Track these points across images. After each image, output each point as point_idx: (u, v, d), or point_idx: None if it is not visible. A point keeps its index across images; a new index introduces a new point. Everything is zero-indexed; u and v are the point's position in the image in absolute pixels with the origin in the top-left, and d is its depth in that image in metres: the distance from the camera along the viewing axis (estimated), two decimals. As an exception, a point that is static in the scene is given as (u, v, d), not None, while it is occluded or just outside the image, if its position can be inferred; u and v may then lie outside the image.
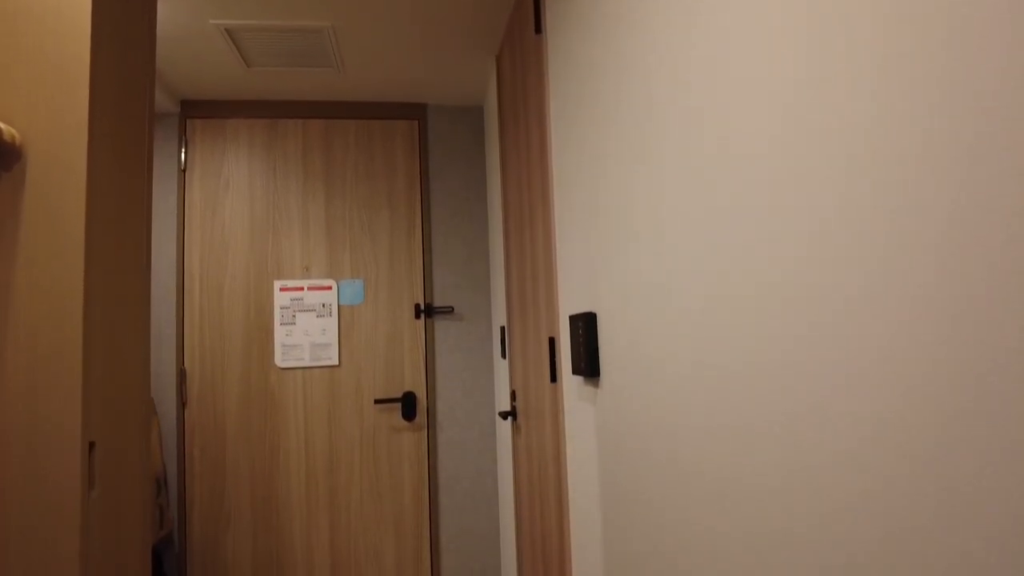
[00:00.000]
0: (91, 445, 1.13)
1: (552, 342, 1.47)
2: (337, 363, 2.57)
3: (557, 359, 1.45)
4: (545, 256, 1.52)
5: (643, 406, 0.94)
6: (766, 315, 0.62)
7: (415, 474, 2.61)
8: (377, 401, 2.56)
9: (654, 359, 0.90)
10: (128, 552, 1.28)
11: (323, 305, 2.57)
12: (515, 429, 2.09)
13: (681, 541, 0.83)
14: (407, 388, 2.62)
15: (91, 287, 1.12)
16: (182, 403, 2.48)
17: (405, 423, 2.61)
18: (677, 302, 0.82)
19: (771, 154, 0.60)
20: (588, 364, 1.15)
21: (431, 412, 2.63)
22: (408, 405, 2.59)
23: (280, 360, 2.53)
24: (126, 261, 1.31)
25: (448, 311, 2.67)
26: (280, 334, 2.54)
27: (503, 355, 2.36)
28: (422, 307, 2.65)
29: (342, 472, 2.56)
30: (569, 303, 1.33)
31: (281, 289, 2.55)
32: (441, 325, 2.67)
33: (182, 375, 2.49)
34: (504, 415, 2.06)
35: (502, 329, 2.36)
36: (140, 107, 1.39)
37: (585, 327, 1.15)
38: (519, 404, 2.00)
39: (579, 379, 1.28)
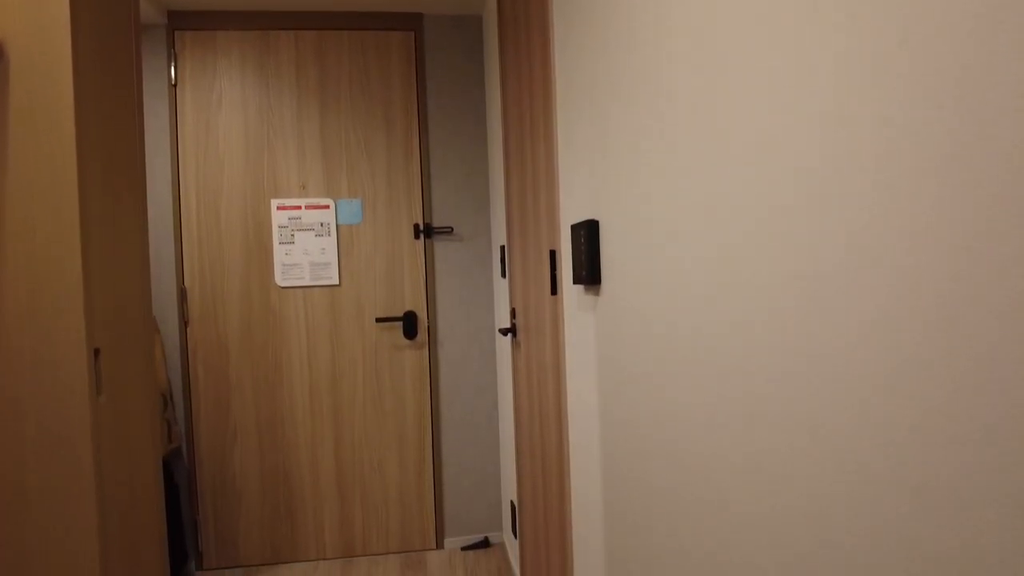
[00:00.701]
0: (96, 352, 1.15)
1: (553, 255, 1.47)
2: (337, 283, 2.57)
3: (558, 271, 1.45)
4: (547, 167, 1.50)
5: (642, 307, 0.95)
6: (774, 223, 0.61)
7: (417, 390, 2.66)
8: (378, 320, 2.58)
9: (655, 262, 0.89)
10: (139, 460, 1.31)
11: (321, 224, 2.55)
12: (515, 345, 2.12)
13: (682, 432, 0.85)
14: (408, 308, 2.63)
15: (86, 187, 1.10)
16: (184, 322, 2.50)
17: (407, 341, 2.64)
18: (681, 205, 0.81)
19: (785, 66, 0.58)
20: (589, 272, 1.15)
21: (432, 331, 2.66)
22: (409, 324, 2.61)
23: (280, 279, 2.53)
24: (119, 168, 1.29)
25: (447, 231, 2.66)
26: (279, 253, 2.53)
27: (503, 274, 2.36)
28: (421, 227, 2.63)
29: (345, 388, 2.61)
30: (571, 214, 1.32)
31: (278, 208, 2.52)
32: (440, 245, 2.66)
33: (183, 294, 2.50)
34: (504, 332, 2.08)
35: (502, 248, 2.35)
36: (125, 13, 1.33)
37: (587, 235, 1.14)
38: (519, 320, 2.01)
39: (579, 288, 1.28)
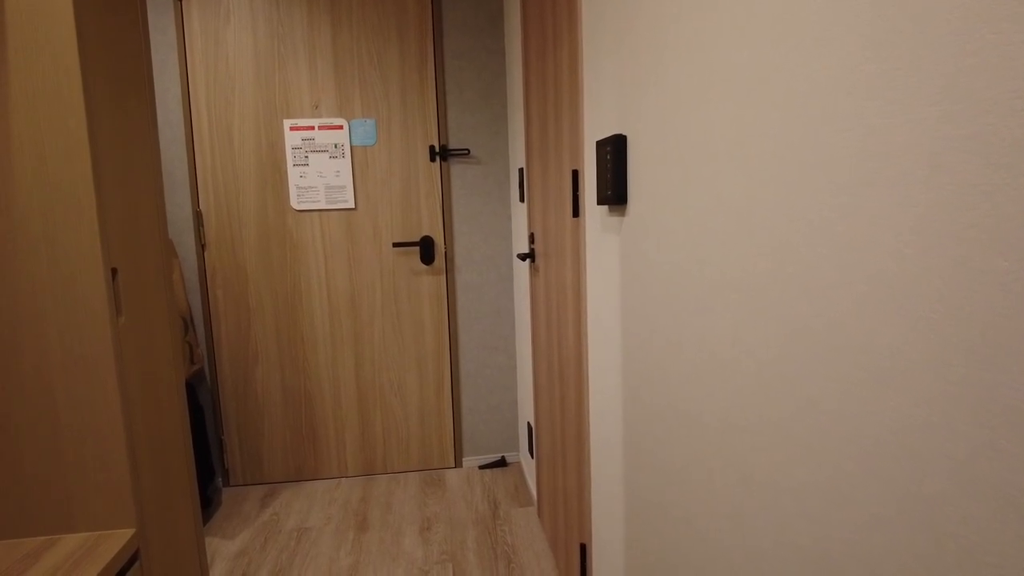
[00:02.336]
0: (113, 272, 1.14)
1: (575, 175, 1.42)
2: (353, 206, 2.54)
3: (580, 192, 1.40)
4: (571, 78, 1.43)
5: (671, 227, 0.91)
6: (823, 134, 0.56)
7: (435, 314, 2.67)
8: (395, 245, 2.56)
9: (688, 180, 0.85)
10: (162, 380, 1.33)
11: (335, 146, 2.49)
12: (533, 270, 2.10)
13: (707, 353, 0.83)
14: (425, 232, 2.60)
15: (92, 102, 1.06)
16: (201, 245, 2.50)
17: (424, 266, 2.63)
18: (714, 118, 0.76)
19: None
20: (615, 191, 1.10)
21: (449, 256, 2.64)
22: (426, 249, 2.59)
23: (296, 202, 2.50)
24: (126, 82, 1.24)
25: (464, 153, 2.59)
26: (294, 175, 2.49)
27: (521, 199, 2.31)
28: (437, 149, 2.57)
29: (364, 311, 2.62)
30: (596, 129, 1.27)
31: (291, 128, 2.46)
32: (457, 168, 2.60)
33: (198, 217, 2.48)
34: (523, 257, 2.05)
35: (520, 171, 2.29)
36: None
37: (614, 151, 1.09)
38: (538, 245, 1.98)
39: (603, 209, 1.24)
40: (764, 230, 0.67)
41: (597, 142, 1.19)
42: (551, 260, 1.78)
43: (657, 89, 0.93)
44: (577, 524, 1.62)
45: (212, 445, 2.61)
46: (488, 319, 2.71)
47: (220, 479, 2.64)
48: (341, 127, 2.49)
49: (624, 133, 1.09)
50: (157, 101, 2.42)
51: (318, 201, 2.51)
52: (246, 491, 2.60)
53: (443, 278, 2.65)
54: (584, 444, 1.49)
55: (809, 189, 0.59)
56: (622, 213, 1.13)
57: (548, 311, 1.86)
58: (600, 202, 1.19)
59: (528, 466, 2.53)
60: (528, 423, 2.46)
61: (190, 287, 2.52)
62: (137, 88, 1.28)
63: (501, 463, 2.76)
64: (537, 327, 2.07)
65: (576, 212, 1.44)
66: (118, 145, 1.17)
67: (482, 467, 2.75)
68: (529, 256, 2.07)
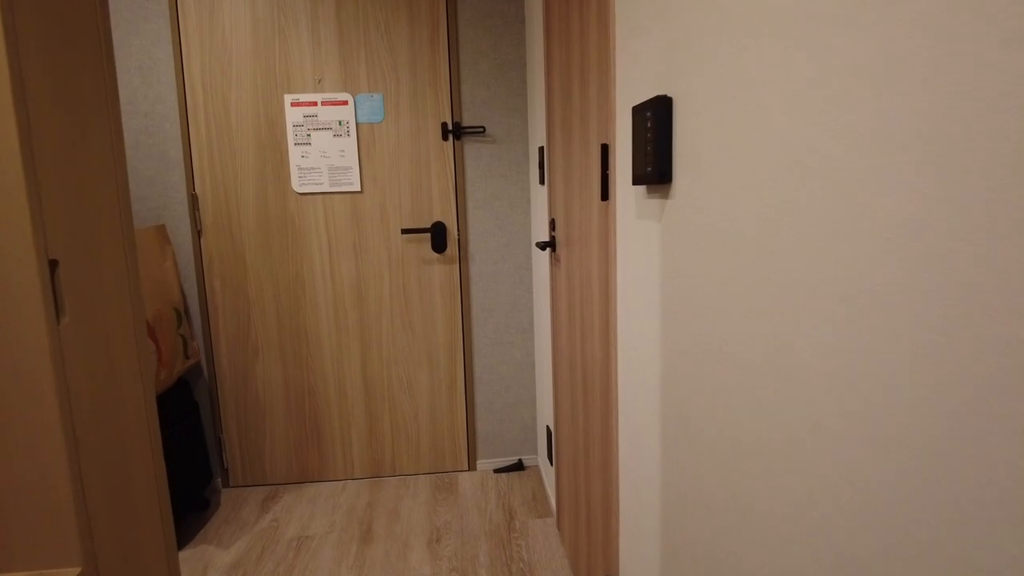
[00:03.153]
0: (53, 264, 0.95)
1: (605, 150, 1.21)
2: (359, 189, 2.35)
3: (610, 171, 1.19)
4: (600, 31, 1.21)
5: (740, 214, 0.70)
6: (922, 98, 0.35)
7: (447, 306, 2.48)
8: (404, 231, 2.36)
9: (758, 150, 0.64)
10: (122, 392, 1.14)
11: (340, 123, 2.29)
12: (554, 260, 1.89)
13: (783, 365, 0.62)
14: (436, 218, 2.40)
15: (24, 90, 0.87)
16: (197, 232, 2.32)
17: (435, 255, 2.43)
18: (801, 63, 0.54)
19: None
20: (657, 167, 0.89)
21: (463, 244, 2.44)
22: (438, 236, 2.39)
23: (298, 185, 2.31)
24: (76, 47, 1.05)
25: (479, 132, 2.38)
26: (295, 155, 2.30)
27: (541, 181, 2.10)
28: (449, 127, 2.36)
29: (371, 304, 2.43)
30: (630, 92, 1.05)
31: (292, 104, 2.27)
32: (471, 148, 2.39)
33: (194, 200, 2.31)
34: (542, 245, 1.84)
35: (540, 150, 2.08)
36: None
37: (655, 117, 0.88)
38: (559, 233, 1.77)
39: (639, 190, 1.03)
40: (894, 219, 0.46)
41: (633, 108, 0.98)
42: (574, 250, 1.57)
43: (721, 31, 0.72)
44: (602, 555, 1.42)
45: (210, 444, 2.45)
46: (504, 312, 2.51)
47: (219, 480, 2.48)
48: (346, 103, 2.29)
49: (669, 94, 0.88)
50: (147, 74, 2.24)
51: (321, 184, 2.32)
52: (246, 493, 2.45)
53: (456, 267, 2.45)
54: (611, 466, 1.29)
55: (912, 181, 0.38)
56: (665, 195, 0.92)
57: (571, 307, 1.66)
58: (636, 181, 0.98)
59: (547, 472, 2.33)
60: (547, 427, 2.26)
61: (185, 276, 2.36)
62: (91, 54, 1.09)
63: (518, 467, 2.57)
64: (558, 324, 1.86)
65: (605, 195, 1.22)
66: (64, 120, 0.98)
67: (497, 471, 2.56)
68: (549, 245, 1.86)
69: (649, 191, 0.98)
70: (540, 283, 2.28)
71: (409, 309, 2.45)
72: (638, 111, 0.95)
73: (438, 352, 2.50)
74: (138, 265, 1.27)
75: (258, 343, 2.41)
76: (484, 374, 2.54)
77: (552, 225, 1.88)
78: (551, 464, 2.19)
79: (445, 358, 2.51)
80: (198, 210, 2.31)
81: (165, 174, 2.29)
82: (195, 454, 2.25)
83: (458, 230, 2.42)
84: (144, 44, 2.22)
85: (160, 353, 2.01)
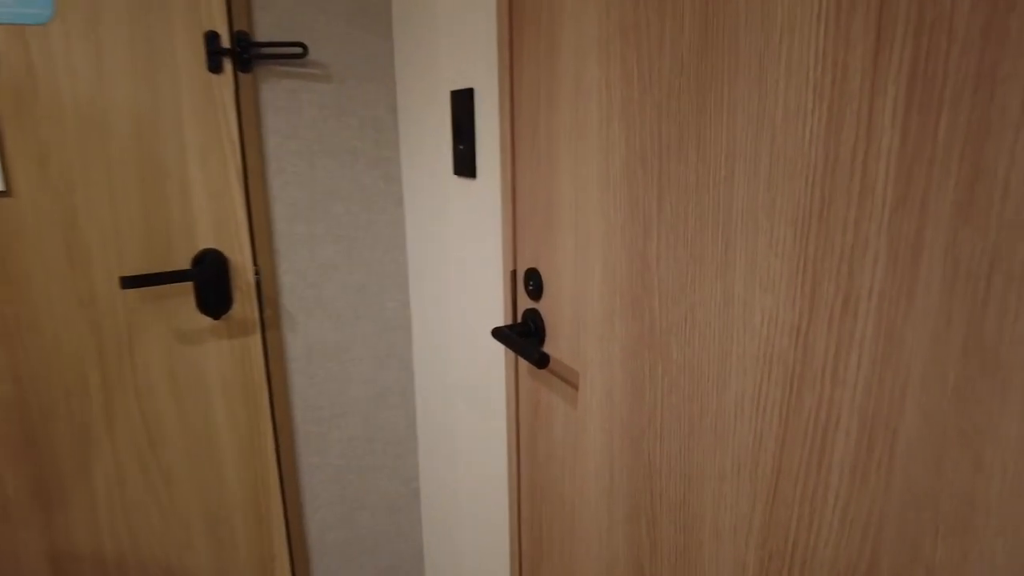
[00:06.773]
0: None
1: None
2: (2, 188, 0.95)
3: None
4: None
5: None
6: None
7: (241, 420, 1.19)
8: (128, 281, 1.01)
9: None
10: None
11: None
12: (535, 377, 0.75)
13: None
14: (203, 245, 1.09)
15: None
16: None
17: (206, 321, 1.12)
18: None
19: None
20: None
21: (267, 293, 1.16)
22: (210, 283, 1.09)
23: None
24: None
25: (295, 56, 1.10)
26: None
27: (466, 171, 0.92)
28: (225, 42, 1.04)
29: (61, 436, 1.06)
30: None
31: None
32: (279, 91, 1.11)
33: None
34: (501, 335, 0.69)
35: (462, 95, 0.90)
36: None
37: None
38: (551, 303, 0.63)
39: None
40: None
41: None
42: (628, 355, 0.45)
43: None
44: None
45: None
46: (362, 414, 1.30)
47: None
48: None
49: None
50: None
51: None
52: None
53: (256, 339, 1.17)
54: None
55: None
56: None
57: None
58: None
59: None
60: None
61: None
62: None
63: None
64: (526, 471, 0.73)
65: None
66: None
67: None
68: (524, 331, 0.71)
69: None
70: (454, 372, 1.11)
71: (156, 440, 1.12)
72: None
73: (230, 514, 1.21)
74: None
75: None
76: (328, 532, 1.31)
77: (527, 280, 0.74)
78: None
79: (245, 522, 1.23)
80: None
81: None
82: None
83: (255, 266, 1.14)
84: None
85: None
